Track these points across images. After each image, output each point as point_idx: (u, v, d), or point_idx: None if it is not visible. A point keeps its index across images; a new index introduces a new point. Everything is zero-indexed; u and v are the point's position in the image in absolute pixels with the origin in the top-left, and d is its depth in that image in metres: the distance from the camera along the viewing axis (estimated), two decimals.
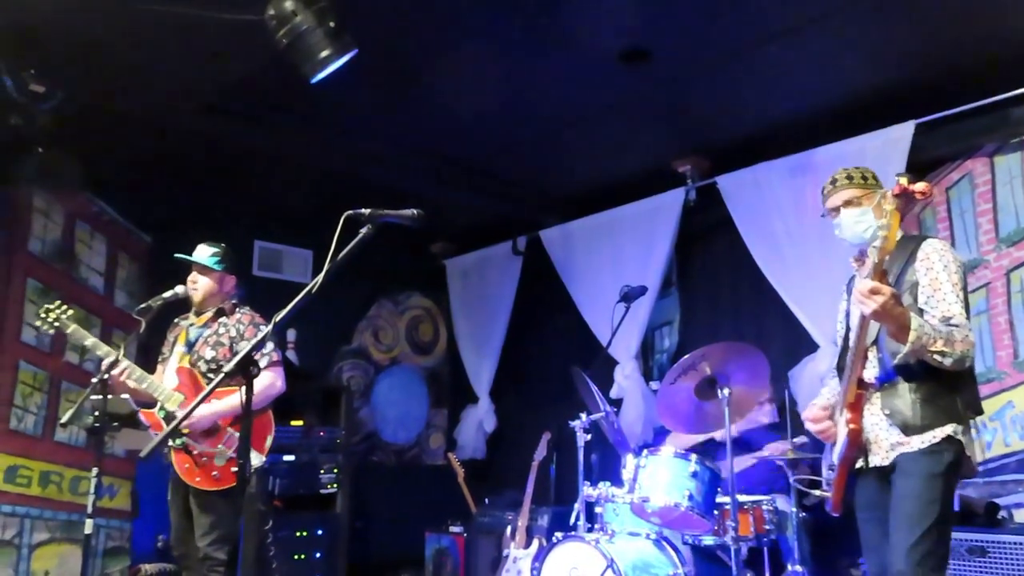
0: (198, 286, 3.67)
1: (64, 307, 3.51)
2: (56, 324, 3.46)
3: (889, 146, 4.29)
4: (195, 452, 3.40)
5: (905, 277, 2.44)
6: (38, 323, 3.49)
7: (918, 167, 4.24)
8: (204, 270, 3.67)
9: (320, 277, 2.10)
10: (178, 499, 3.57)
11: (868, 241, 2.56)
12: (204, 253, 3.70)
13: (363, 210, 2.23)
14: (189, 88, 4.16)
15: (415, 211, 2.29)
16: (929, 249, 2.44)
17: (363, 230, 2.21)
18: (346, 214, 2.18)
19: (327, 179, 5.25)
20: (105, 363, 3.33)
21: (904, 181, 2.24)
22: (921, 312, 2.36)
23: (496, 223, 6.36)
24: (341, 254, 2.15)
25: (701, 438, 4.19)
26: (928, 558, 2.25)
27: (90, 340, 3.45)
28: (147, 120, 4.51)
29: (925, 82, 4.07)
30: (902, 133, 4.26)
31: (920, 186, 2.25)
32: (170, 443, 3.43)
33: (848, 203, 2.57)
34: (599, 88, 4.25)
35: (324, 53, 3.23)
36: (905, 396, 2.36)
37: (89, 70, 3.95)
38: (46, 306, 3.50)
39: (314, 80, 3.38)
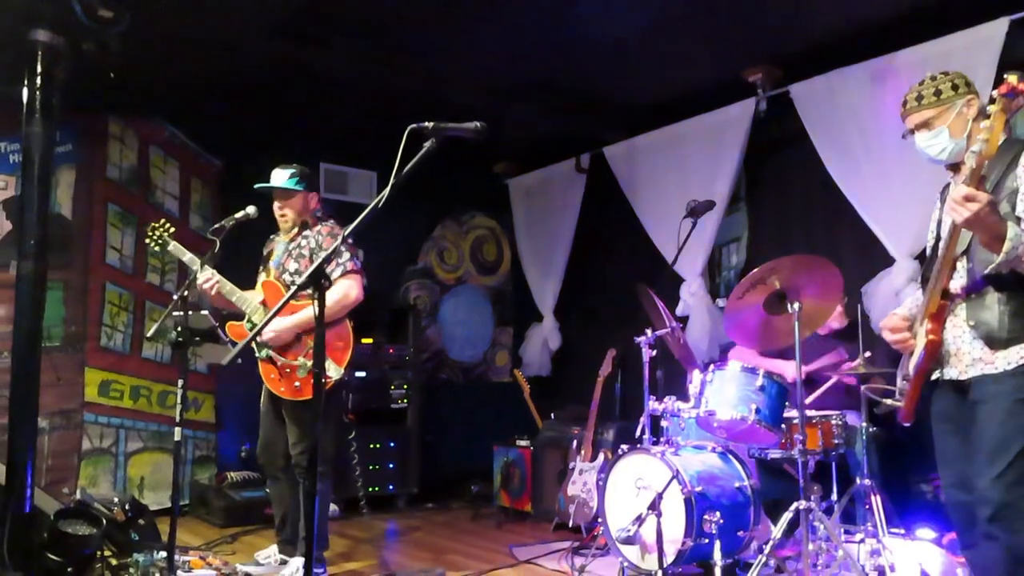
0: (287, 215, 3.72)
1: (167, 224, 3.74)
2: (160, 241, 3.69)
3: (978, 46, 4.00)
4: (279, 364, 3.54)
5: (1005, 183, 2.27)
6: (147, 240, 3.74)
7: (1011, 69, 3.95)
8: (286, 193, 3.70)
9: (387, 191, 2.12)
10: (271, 409, 3.73)
11: (946, 161, 2.43)
12: (282, 177, 3.71)
13: (426, 123, 2.23)
14: (257, 10, 4.16)
15: (478, 123, 2.28)
16: None
17: (427, 144, 2.21)
18: (410, 127, 2.19)
19: (391, 100, 5.23)
20: (192, 279, 3.49)
21: (1013, 79, 2.04)
22: (1019, 221, 2.20)
23: (559, 141, 6.27)
24: (406, 168, 2.16)
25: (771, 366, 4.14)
26: (1018, 485, 2.17)
27: (187, 255, 3.63)
28: (215, 43, 4.55)
29: None
30: (994, 32, 3.97)
31: None
32: (256, 355, 3.58)
33: (920, 127, 2.42)
34: None
35: None
36: (993, 308, 2.25)
37: None
38: (152, 224, 3.74)
39: None
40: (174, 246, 3.68)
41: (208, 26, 4.32)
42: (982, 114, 2.09)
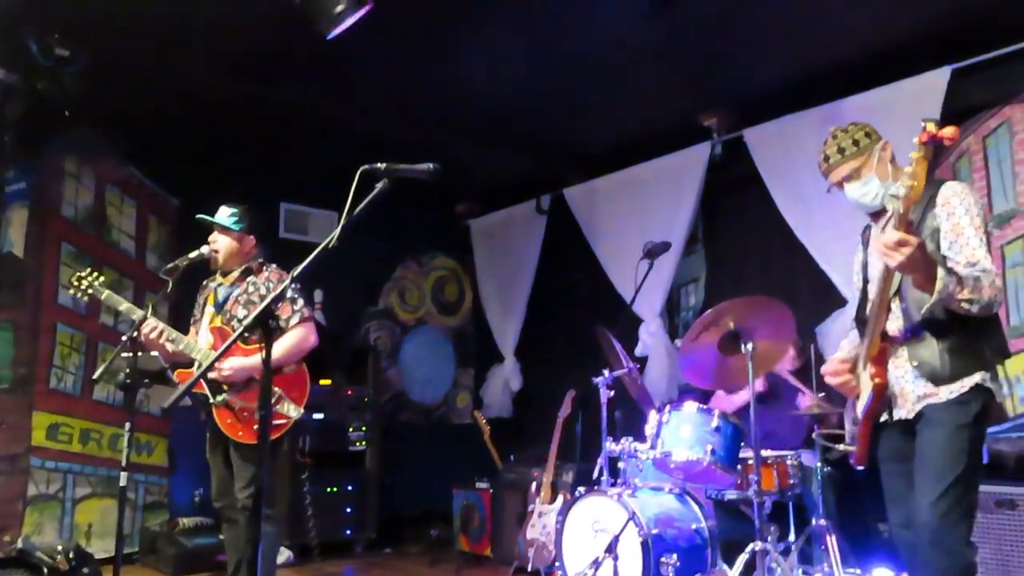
0: (218, 245, 3.72)
1: (95, 274, 3.58)
2: (89, 291, 3.54)
3: (923, 94, 4.16)
4: (236, 408, 3.48)
5: (925, 224, 2.37)
6: (71, 291, 3.57)
7: (953, 115, 4.12)
8: (223, 230, 3.72)
9: (337, 231, 2.10)
10: (219, 454, 3.65)
11: (881, 205, 2.49)
12: (223, 214, 3.74)
13: (379, 164, 2.23)
14: (214, 50, 4.17)
15: (431, 165, 2.28)
16: (949, 193, 2.36)
17: (379, 184, 2.21)
18: (362, 169, 2.18)
19: (351, 140, 5.25)
20: (139, 324, 3.40)
21: (931, 127, 2.15)
22: (944, 259, 2.30)
23: (520, 182, 6.33)
24: (357, 209, 2.15)
25: (741, 401, 4.21)
26: (953, 511, 2.22)
27: (124, 305, 3.53)
28: (173, 82, 4.54)
29: (961, 25, 3.94)
30: (937, 80, 4.13)
31: (948, 131, 2.16)
32: (212, 401, 3.51)
33: (848, 178, 2.50)
34: (624, 41, 4.17)
35: (339, 8, 3.22)
36: (932, 347, 2.31)
37: (113, 33, 3.97)
38: (77, 274, 3.57)
39: (330, 36, 3.38)
40: (108, 295, 3.53)
41: (165, 65, 4.32)
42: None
